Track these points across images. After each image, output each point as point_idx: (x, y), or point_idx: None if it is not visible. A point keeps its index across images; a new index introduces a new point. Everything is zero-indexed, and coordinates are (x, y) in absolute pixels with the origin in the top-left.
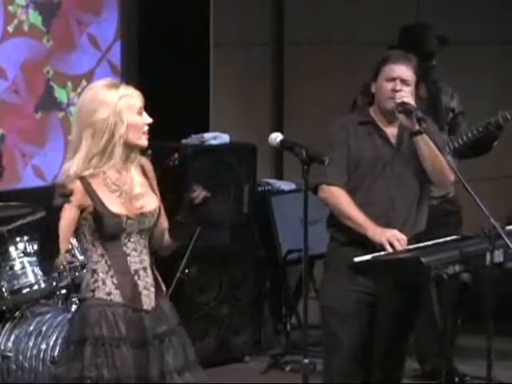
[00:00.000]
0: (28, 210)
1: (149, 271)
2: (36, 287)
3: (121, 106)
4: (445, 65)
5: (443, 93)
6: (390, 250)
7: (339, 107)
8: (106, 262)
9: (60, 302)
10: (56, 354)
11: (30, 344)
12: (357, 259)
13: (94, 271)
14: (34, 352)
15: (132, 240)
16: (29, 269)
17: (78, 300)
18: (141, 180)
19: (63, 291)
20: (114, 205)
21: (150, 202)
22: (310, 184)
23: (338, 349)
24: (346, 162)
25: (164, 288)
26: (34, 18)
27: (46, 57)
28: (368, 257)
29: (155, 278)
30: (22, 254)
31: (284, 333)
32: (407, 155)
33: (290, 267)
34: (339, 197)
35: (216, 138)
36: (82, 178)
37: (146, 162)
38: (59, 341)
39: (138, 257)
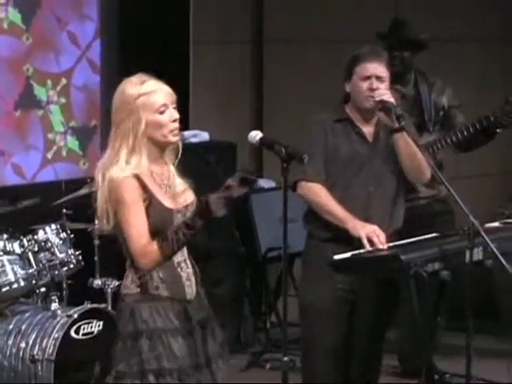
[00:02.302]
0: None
1: (188, 262)
2: (15, 285)
3: (137, 104)
4: (424, 62)
5: (434, 89)
6: (368, 246)
7: (319, 105)
8: None
9: (39, 301)
10: (36, 352)
11: (10, 342)
12: (336, 257)
13: (139, 266)
14: (14, 351)
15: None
16: (8, 267)
17: (122, 295)
18: (176, 173)
19: (43, 289)
20: (164, 199)
21: (190, 195)
22: (289, 181)
23: (316, 346)
24: (325, 159)
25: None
26: (14, 15)
27: (25, 55)
28: (347, 254)
29: (193, 267)
30: (1, 253)
31: (264, 331)
32: (384, 152)
33: (270, 265)
34: (318, 193)
35: (196, 135)
36: (135, 175)
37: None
38: (38, 339)
39: None
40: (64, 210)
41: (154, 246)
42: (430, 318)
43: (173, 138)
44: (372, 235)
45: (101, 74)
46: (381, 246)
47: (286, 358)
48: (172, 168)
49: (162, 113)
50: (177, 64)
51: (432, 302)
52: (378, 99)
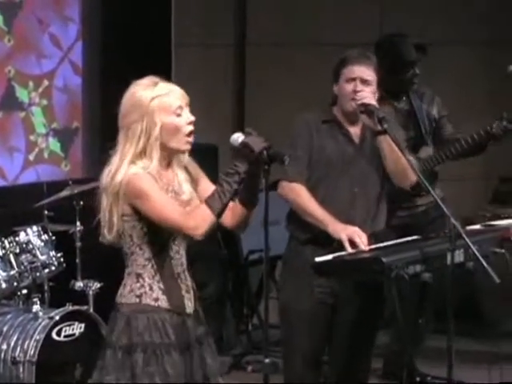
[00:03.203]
0: None
1: (187, 273)
2: None
3: (153, 106)
4: None
5: (424, 100)
6: (348, 247)
7: (301, 108)
8: (152, 266)
9: (21, 303)
10: (17, 354)
11: None
12: (318, 259)
13: (140, 275)
14: None
15: (176, 243)
16: None
17: (118, 304)
18: (185, 179)
19: (24, 291)
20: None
21: (196, 203)
22: (270, 181)
23: (296, 348)
24: (308, 159)
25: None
26: None
27: (7, 56)
28: (329, 257)
29: (192, 281)
30: None
31: (246, 333)
32: (369, 154)
33: (252, 267)
34: (299, 193)
35: None
36: (149, 173)
37: (188, 160)
38: (20, 341)
39: (179, 259)
40: (46, 212)
41: (200, 205)
42: (411, 321)
43: (185, 146)
44: (354, 236)
45: (83, 76)
46: (363, 247)
47: (267, 360)
48: (180, 173)
49: (178, 115)
50: (159, 66)
51: (414, 305)
52: (359, 102)
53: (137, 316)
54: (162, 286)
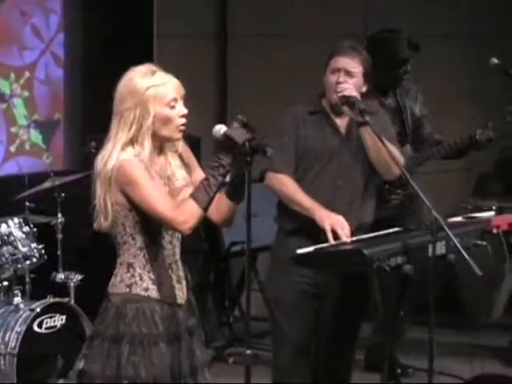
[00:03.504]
0: None
1: (180, 264)
2: None
3: (148, 96)
4: None
5: (409, 97)
6: (331, 238)
7: (282, 99)
8: (144, 256)
9: (2, 295)
10: None
11: None
12: (299, 251)
13: (131, 265)
14: None
15: (169, 233)
16: None
17: (109, 294)
18: (179, 165)
19: (5, 283)
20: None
21: (188, 192)
22: (257, 173)
23: (283, 340)
24: (295, 150)
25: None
26: None
27: None
28: (311, 249)
29: (184, 271)
30: None
31: (227, 325)
32: (355, 146)
33: (234, 259)
34: (286, 183)
35: None
36: (141, 160)
37: (183, 147)
38: (1, 333)
39: (171, 250)
40: (27, 204)
41: (187, 199)
42: (393, 313)
43: (177, 135)
44: (336, 227)
45: (64, 68)
46: (344, 239)
47: (248, 352)
48: (173, 160)
49: (172, 107)
50: (140, 58)
51: (394, 296)
52: (340, 94)
53: (126, 305)
54: (152, 276)
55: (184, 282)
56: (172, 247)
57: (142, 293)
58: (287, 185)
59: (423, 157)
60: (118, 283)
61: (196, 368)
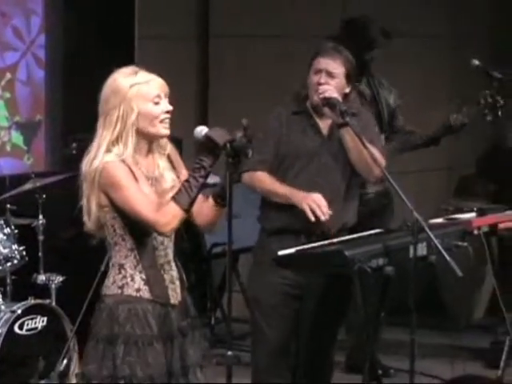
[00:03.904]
0: None
1: (173, 264)
2: None
3: (131, 93)
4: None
5: (383, 88)
6: (311, 216)
7: (265, 101)
8: (135, 256)
9: None
10: None
11: None
12: (281, 252)
13: (122, 266)
14: None
15: None
16: None
17: (103, 295)
18: (167, 167)
19: None
20: (151, 194)
21: None
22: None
23: (262, 341)
24: (275, 150)
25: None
26: None
27: None
28: (292, 250)
29: (179, 271)
30: None
31: (209, 326)
32: (337, 147)
33: (215, 260)
34: (261, 179)
35: None
36: (121, 160)
37: (171, 149)
38: None
39: (163, 250)
40: (8, 206)
41: (168, 202)
42: (373, 314)
43: (163, 131)
44: (314, 207)
45: (46, 69)
46: (323, 218)
47: (230, 353)
48: (161, 162)
49: (155, 103)
50: (122, 60)
51: (376, 298)
52: (321, 96)
53: (118, 307)
54: (143, 277)
55: (178, 283)
56: (164, 247)
57: (134, 293)
58: (263, 180)
59: (396, 148)
60: (111, 284)
61: (188, 368)
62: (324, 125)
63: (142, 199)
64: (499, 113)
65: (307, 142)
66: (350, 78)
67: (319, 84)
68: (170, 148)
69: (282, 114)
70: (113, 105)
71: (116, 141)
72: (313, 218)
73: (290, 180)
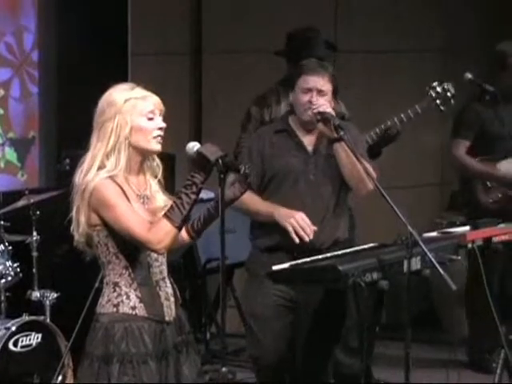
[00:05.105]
0: None
1: (167, 281)
2: None
3: (127, 107)
4: (360, 73)
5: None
6: (295, 238)
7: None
8: (129, 274)
9: None
10: None
11: None
12: (275, 267)
13: (116, 284)
14: None
15: None
16: None
17: (98, 314)
18: (159, 189)
19: None
20: (140, 209)
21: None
22: None
23: (260, 353)
24: (259, 170)
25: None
26: None
27: None
28: (286, 265)
29: (173, 288)
30: None
31: (204, 342)
32: (323, 164)
33: (210, 276)
34: (244, 201)
35: None
36: (111, 177)
37: (160, 175)
38: None
39: (158, 267)
40: (1, 222)
41: (161, 219)
42: (368, 328)
43: (155, 146)
44: (297, 228)
45: (39, 86)
46: (307, 239)
47: (224, 369)
48: (153, 182)
49: (149, 119)
50: (115, 75)
51: (370, 312)
52: (315, 111)
53: (114, 325)
54: (139, 294)
55: (172, 299)
56: (159, 264)
57: (129, 311)
58: (245, 201)
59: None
60: (105, 303)
61: None
62: (308, 141)
63: (133, 218)
64: (451, 101)
65: (293, 160)
66: (335, 93)
67: (311, 102)
68: (160, 173)
69: (264, 133)
70: (108, 117)
71: (110, 154)
72: (297, 240)
73: (279, 200)
